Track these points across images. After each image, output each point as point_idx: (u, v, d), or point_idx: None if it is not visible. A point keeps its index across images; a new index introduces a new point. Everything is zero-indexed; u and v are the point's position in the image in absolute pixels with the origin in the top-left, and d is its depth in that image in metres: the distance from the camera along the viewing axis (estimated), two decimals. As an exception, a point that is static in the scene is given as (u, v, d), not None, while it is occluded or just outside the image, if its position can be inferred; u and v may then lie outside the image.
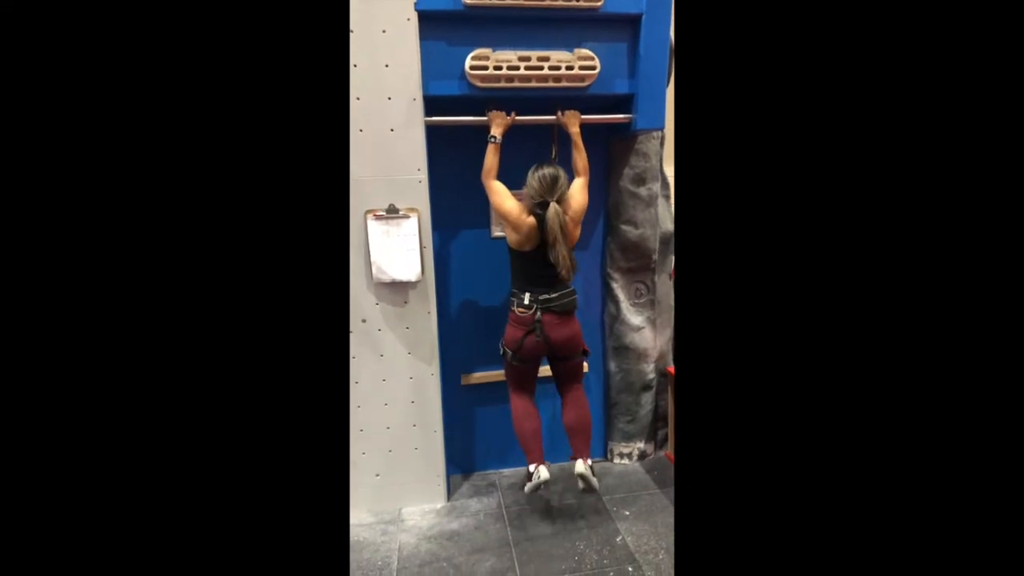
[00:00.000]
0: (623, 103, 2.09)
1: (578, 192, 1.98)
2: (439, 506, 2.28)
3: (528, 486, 2.07)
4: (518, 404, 2.14)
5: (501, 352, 2.11)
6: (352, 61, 1.82)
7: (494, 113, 1.94)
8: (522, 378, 2.13)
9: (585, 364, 2.50)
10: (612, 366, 2.51)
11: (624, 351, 2.47)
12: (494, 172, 1.94)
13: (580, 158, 2.01)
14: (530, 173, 1.93)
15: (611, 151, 2.32)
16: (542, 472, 2.05)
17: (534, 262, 1.97)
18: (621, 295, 2.43)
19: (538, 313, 1.98)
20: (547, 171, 1.90)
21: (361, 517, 2.21)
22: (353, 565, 1.95)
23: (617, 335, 2.46)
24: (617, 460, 2.59)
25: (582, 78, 1.97)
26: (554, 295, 1.98)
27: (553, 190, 1.89)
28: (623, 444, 2.58)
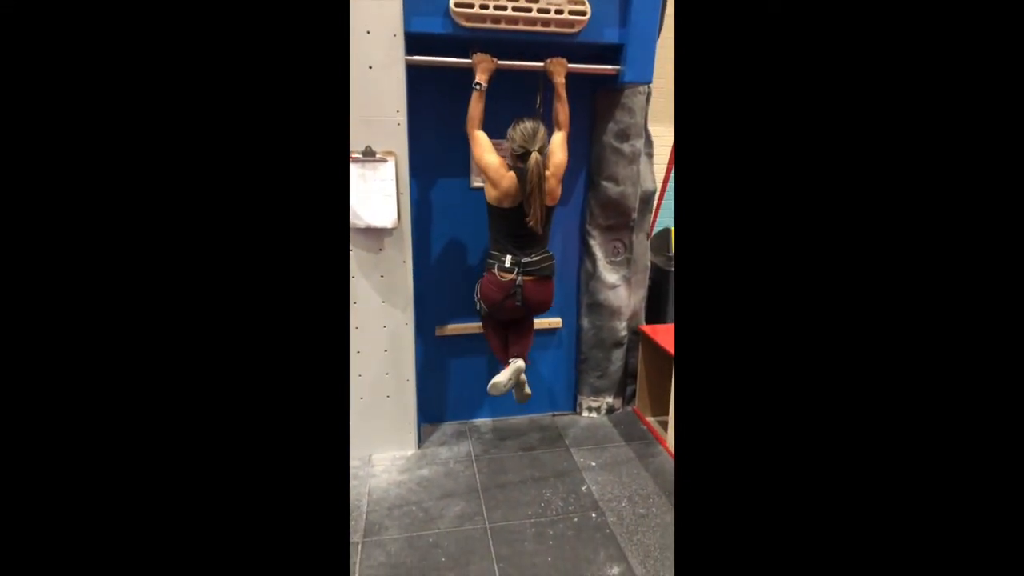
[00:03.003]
0: (612, 54, 2.03)
1: (558, 148, 1.96)
2: (409, 453, 2.31)
3: (506, 378, 2.09)
4: (493, 340, 2.24)
5: (477, 307, 2.14)
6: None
7: (479, 56, 1.86)
8: (497, 326, 2.21)
9: (559, 320, 2.53)
10: (585, 322, 2.54)
11: (598, 308, 2.49)
12: (478, 121, 1.89)
13: (563, 110, 1.96)
14: (510, 129, 1.89)
15: (596, 104, 2.27)
16: (511, 364, 2.12)
17: (514, 220, 1.94)
18: (598, 252, 2.43)
19: (519, 278, 1.97)
20: (527, 124, 1.87)
21: (331, 462, 2.23)
22: (323, 507, 1.98)
23: (592, 292, 2.47)
24: (586, 413, 2.65)
25: (571, 24, 1.90)
26: (536, 258, 1.99)
27: (534, 139, 1.86)
28: (592, 398, 2.63)
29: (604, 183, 2.31)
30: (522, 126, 1.87)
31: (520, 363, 2.12)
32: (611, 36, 1.97)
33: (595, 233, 2.41)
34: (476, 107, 1.88)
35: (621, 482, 2.15)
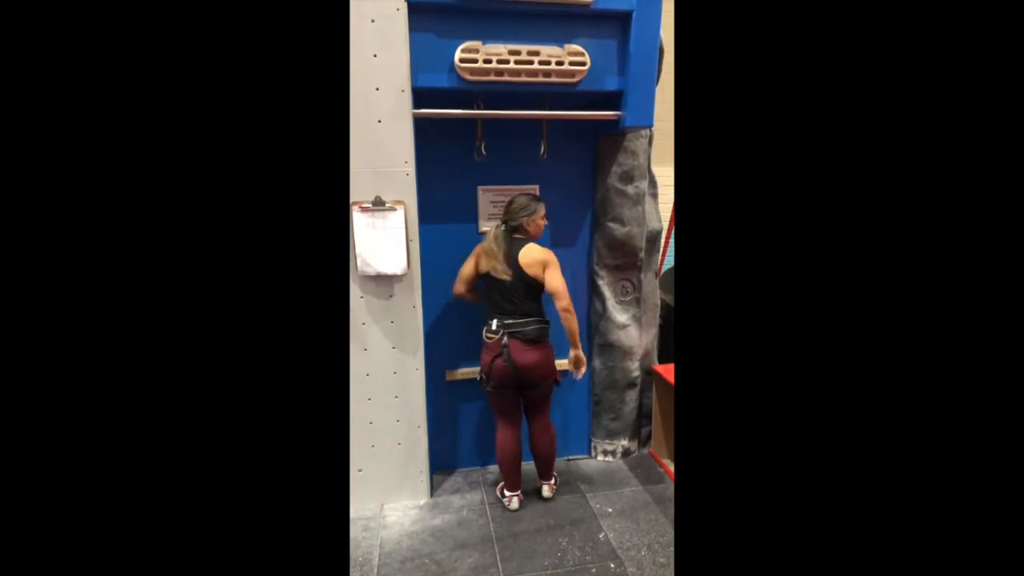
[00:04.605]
0: (612, 100, 2.09)
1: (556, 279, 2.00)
2: (422, 502, 2.27)
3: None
4: (500, 433, 2.19)
5: (479, 379, 2.17)
6: (340, 50, 1.80)
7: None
8: (502, 405, 2.14)
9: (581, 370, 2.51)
10: (597, 363, 2.52)
11: (609, 348, 2.47)
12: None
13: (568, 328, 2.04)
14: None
15: (599, 149, 2.32)
16: (513, 503, 2.21)
17: (500, 289, 2.02)
18: (607, 292, 2.43)
19: (505, 338, 2.02)
20: (517, 199, 2.03)
21: (342, 513, 2.19)
22: (333, 561, 1.93)
23: (602, 332, 2.46)
24: (601, 457, 2.59)
25: (572, 74, 1.96)
26: (520, 320, 2.02)
27: (507, 211, 2.03)
28: (607, 441, 2.58)
29: (610, 224, 2.34)
30: (512, 203, 2.04)
31: (546, 492, 2.27)
32: (611, 84, 2.03)
33: (603, 273, 2.42)
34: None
35: (640, 529, 2.08)
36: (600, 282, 2.43)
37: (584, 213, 2.40)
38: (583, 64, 1.96)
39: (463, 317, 2.36)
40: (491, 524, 2.13)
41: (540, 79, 1.95)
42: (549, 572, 1.87)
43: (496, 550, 1.98)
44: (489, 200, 2.30)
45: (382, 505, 2.24)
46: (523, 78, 1.93)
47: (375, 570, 1.88)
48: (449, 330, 2.37)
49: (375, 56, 1.83)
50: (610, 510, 2.20)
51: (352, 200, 1.93)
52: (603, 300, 2.43)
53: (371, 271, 1.98)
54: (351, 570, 1.88)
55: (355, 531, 2.09)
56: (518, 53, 1.90)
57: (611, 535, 2.05)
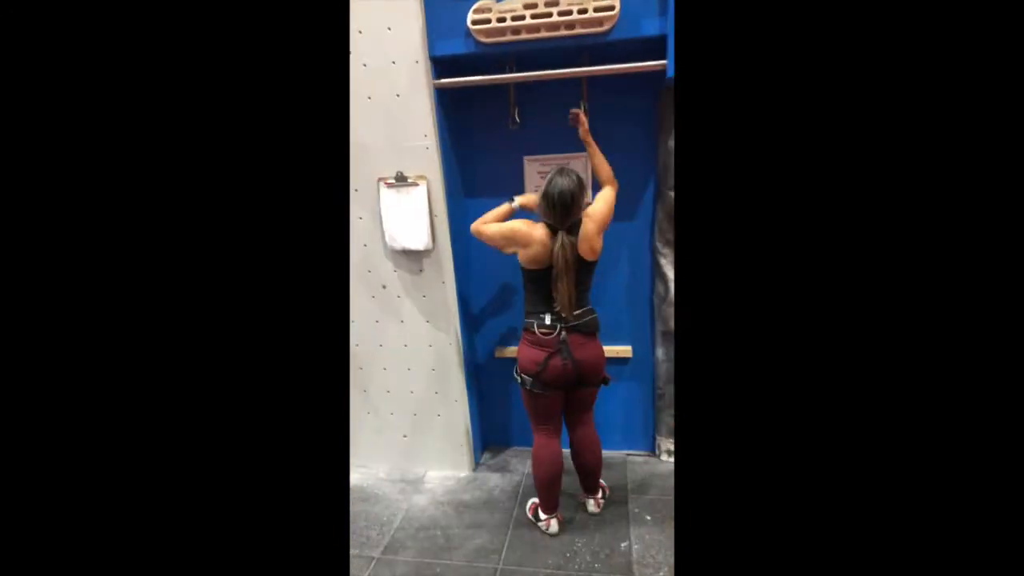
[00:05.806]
0: (655, 48, 1.76)
1: (602, 203, 1.71)
2: (462, 475, 2.30)
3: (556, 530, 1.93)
4: (539, 445, 1.87)
5: (518, 381, 1.81)
6: (356, 27, 1.82)
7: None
8: (545, 410, 1.82)
9: (629, 348, 2.26)
10: (660, 353, 2.23)
11: (673, 336, 2.16)
12: (488, 220, 1.77)
13: (599, 165, 1.75)
14: (546, 182, 1.64)
15: (661, 105, 1.99)
16: (552, 526, 1.91)
17: (550, 283, 1.69)
18: (670, 272, 2.11)
19: (563, 333, 1.71)
20: (559, 189, 1.59)
21: (389, 472, 2.33)
22: (362, 515, 2.07)
23: (665, 318, 2.16)
24: (665, 457, 2.32)
25: (599, 22, 1.70)
26: (577, 312, 1.72)
27: (565, 217, 1.62)
28: (670, 439, 2.29)
29: (671, 193, 2.01)
30: (550, 191, 1.61)
31: (593, 507, 2.01)
32: (650, 28, 1.71)
33: (666, 251, 2.11)
34: (496, 215, 1.78)
35: (670, 545, 1.82)
36: (663, 260, 2.12)
37: (645, 182, 2.10)
38: (611, 9, 1.68)
39: (509, 294, 2.29)
40: (516, 509, 2.07)
41: (563, 32, 1.73)
42: (549, 572, 1.75)
43: (508, 536, 1.92)
44: (536, 171, 2.15)
45: (425, 473, 2.32)
46: (543, 34, 1.74)
47: (391, 532, 1.97)
48: (498, 307, 2.31)
49: (389, 29, 1.82)
50: (648, 518, 1.97)
51: (379, 176, 1.97)
52: (666, 282, 2.12)
53: (397, 246, 2.02)
54: (373, 526, 2.00)
55: (392, 491, 2.21)
56: (534, 6, 1.71)
57: (636, 546, 1.83)
